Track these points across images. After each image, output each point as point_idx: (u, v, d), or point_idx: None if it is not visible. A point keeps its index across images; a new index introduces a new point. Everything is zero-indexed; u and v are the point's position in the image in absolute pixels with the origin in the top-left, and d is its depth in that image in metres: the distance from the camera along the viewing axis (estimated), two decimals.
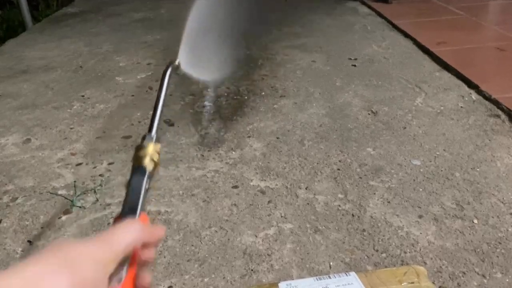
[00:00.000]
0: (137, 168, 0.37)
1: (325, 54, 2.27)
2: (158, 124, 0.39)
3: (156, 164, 0.38)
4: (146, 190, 0.37)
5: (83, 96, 1.94)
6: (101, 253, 0.28)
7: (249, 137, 1.53)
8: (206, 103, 1.81)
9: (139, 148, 0.38)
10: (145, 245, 0.33)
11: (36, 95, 1.97)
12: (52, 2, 3.66)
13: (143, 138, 0.38)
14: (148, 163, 0.37)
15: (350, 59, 2.18)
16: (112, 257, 0.29)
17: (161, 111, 0.40)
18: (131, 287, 0.33)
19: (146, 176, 0.37)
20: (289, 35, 2.58)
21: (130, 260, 0.32)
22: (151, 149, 0.38)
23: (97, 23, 3.14)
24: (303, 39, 2.52)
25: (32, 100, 1.92)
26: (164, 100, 0.41)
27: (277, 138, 1.51)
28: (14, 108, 1.86)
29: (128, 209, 0.35)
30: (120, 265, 0.30)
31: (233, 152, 1.44)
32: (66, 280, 0.25)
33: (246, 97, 1.84)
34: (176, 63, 0.45)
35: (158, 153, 0.38)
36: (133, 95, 1.92)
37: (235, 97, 1.85)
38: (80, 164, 1.43)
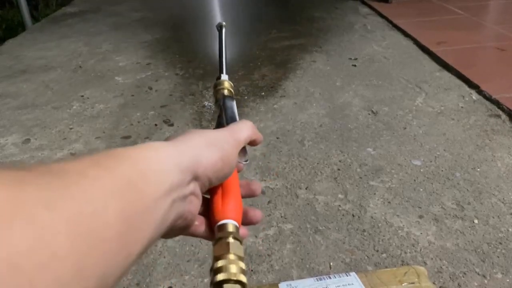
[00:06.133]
0: (224, 96, 0.47)
1: (325, 53, 2.27)
2: (226, 67, 0.49)
3: (232, 94, 0.48)
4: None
5: (82, 96, 1.94)
6: (232, 139, 0.35)
7: None
8: (206, 103, 1.81)
9: (217, 84, 0.47)
10: (252, 142, 0.40)
11: (36, 95, 1.97)
12: (51, 1, 3.66)
13: (218, 78, 0.48)
14: (227, 93, 0.47)
15: (350, 59, 2.18)
16: (237, 143, 0.36)
17: (226, 58, 0.50)
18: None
19: (233, 100, 0.47)
20: (289, 35, 2.58)
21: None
22: (227, 84, 0.47)
23: (97, 22, 3.14)
24: (303, 38, 2.51)
25: (32, 100, 1.92)
26: (225, 50, 0.50)
27: (277, 138, 1.51)
28: (13, 108, 1.85)
29: (230, 119, 0.44)
30: (241, 151, 0.38)
31: None
32: (217, 154, 0.32)
33: (246, 97, 1.83)
34: (224, 23, 0.55)
35: (231, 86, 0.48)
36: (132, 95, 1.92)
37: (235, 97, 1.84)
38: None
